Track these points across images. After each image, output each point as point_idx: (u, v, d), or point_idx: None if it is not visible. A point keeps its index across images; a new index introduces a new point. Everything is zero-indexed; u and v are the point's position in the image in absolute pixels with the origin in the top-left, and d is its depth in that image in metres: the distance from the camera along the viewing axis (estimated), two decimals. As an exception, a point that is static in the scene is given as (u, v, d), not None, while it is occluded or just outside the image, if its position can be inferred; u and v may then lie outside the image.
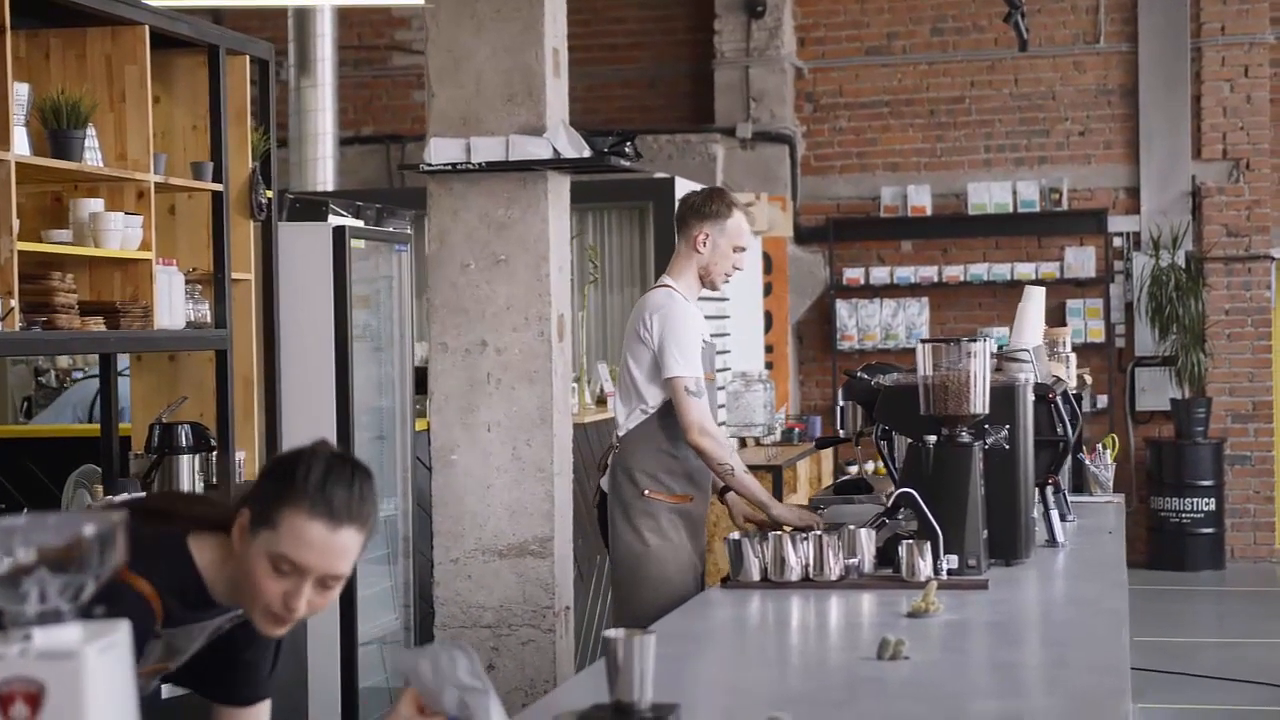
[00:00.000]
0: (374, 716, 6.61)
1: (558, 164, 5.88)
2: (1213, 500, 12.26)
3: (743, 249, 5.37)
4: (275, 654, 2.90)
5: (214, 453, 5.69)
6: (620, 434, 5.27)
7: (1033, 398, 4.78)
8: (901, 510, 4.45)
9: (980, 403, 4.44)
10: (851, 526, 4.43)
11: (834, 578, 4.27)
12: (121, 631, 1.85)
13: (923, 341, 4.52)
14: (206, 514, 2.73)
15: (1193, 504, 12.23)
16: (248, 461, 5.95)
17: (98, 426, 5.94)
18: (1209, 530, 12.27)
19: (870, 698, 3.06)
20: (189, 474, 5.56)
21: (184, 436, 5.53)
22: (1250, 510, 12.61)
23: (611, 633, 2.78)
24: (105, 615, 2.38)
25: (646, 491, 5.19)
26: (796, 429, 11.21)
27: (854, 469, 12.27)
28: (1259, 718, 7.98)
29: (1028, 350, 5.23)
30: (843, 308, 12.94)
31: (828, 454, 11.60)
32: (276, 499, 2.58)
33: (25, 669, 1.77)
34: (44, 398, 8.91)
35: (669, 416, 5.16)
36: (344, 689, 6.41)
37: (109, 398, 5.85)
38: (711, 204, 5.32)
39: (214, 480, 5.73)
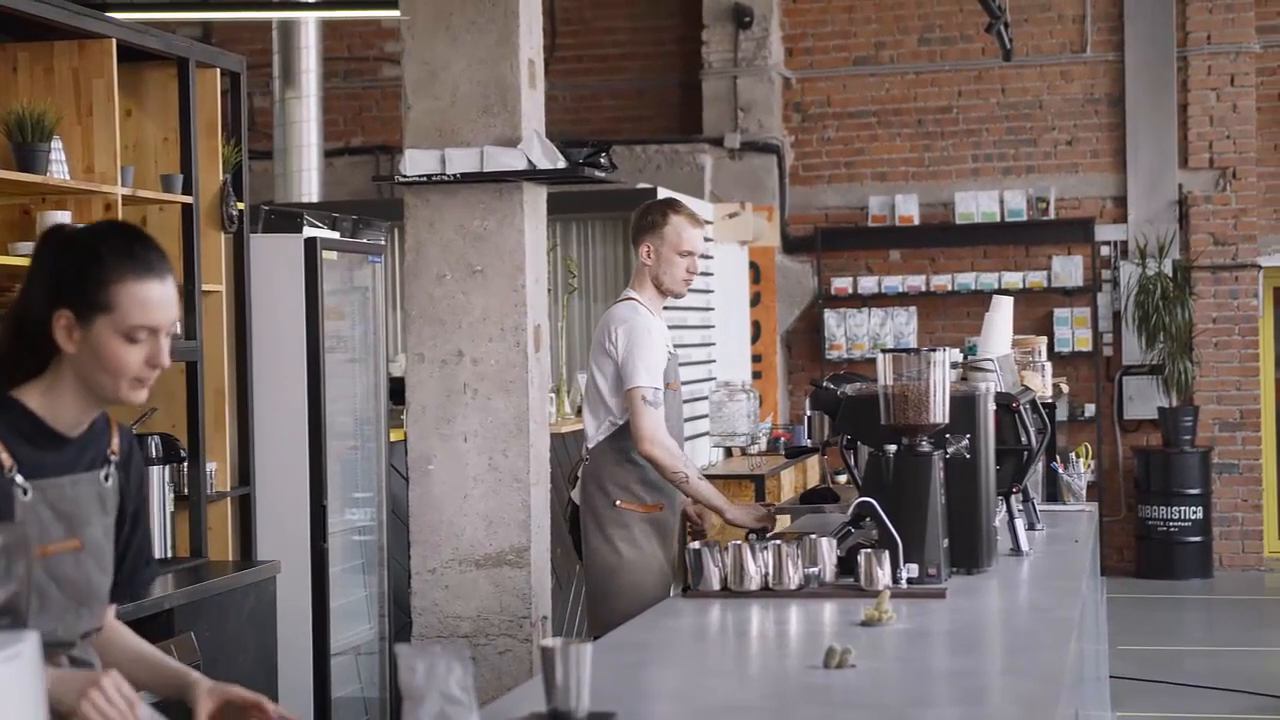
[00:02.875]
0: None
1: (533, 175, 5.90)
2: (1200, 509, 12.26)
3: (689, 253, 5.43)
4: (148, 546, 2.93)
5: (184, 464, 5.70)
6: (590, 446, 5.34)
7: (994, 407, 4.78)
8: (864, 519, 4.46)
9: (940, 412, 4.45)
10: (813, 536, 4.44)
11: (793, 587, 4.28)
12: (28, 642, 1.86)
13: (883, 351, 4.54)
14: (14, 369, 2.74)
15: (1180, 512, 12.24)
16: (219, 473, 5.96)
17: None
18: (1197, 539, 12.28)
19: (813, 705, 3.07)
20: (159, 485, 5.56)
21: (154, 448, 5.54)
22: (1238, 519, 12.61)
23: (548, 642, 2.80)
24: None
25: (618, 502, 5.26)
26: (783, 438, 11.22)
27: (843, 478, 12.28)
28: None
29: (992, 359, 5.24)
30: (831, 317, 12.96)
31: (814, 463, 11.61)
32: (98, 286, 2.66)
33: (-74, 679, 1.78)
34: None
35: None
36: (316, 700, 6.41)
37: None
38: (647, 216, 5.47)
39: (185, 491, 5.74)
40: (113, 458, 2.85)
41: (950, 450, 4.51)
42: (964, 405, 4.59)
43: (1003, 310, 5.58)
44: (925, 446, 4.46)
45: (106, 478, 2.82)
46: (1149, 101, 12.66)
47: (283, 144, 10.46)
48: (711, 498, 5.25)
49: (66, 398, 2.73)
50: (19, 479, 2.67)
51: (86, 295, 2.67)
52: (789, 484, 10.03)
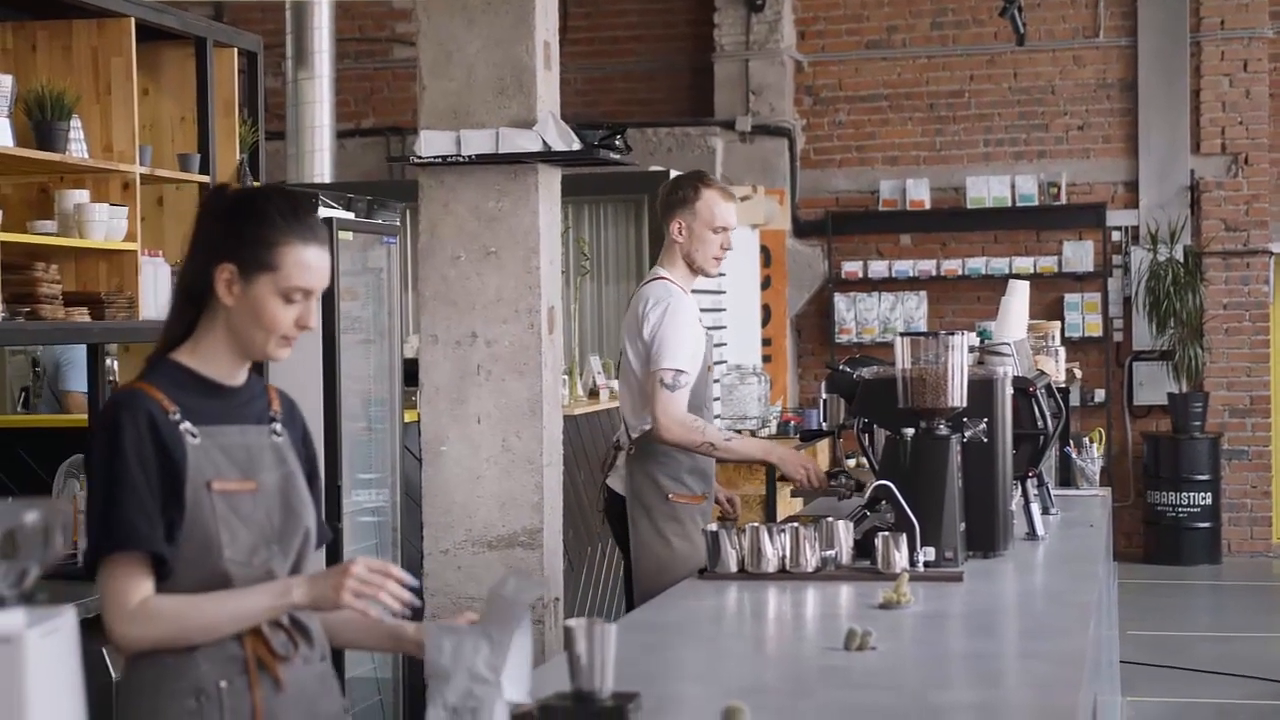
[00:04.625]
0: (360, 706, 6.63)
1: (547, 157, 5.90)
2: (1209, 494, 12.27)
3: (723, 229, 5.29)
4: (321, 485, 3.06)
5: (200, 442, 5.70)
6: (634, 435, 5.20)
7: (1012, 391, 4.79)
8: (881, 502, 4.46)
9: (958, 396, 4.44)
10: (830, 518, 4.44)
11: (810, 569, 4.28)
12: (66, 617, 1.87)
13: (901, 335, 4.53)
14: (170, 336, 2.90)
15: (1189, 498, 12.24)
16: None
17: (85, 418, 5.96)
18: (1205, 524, 12.28)
19: (833, 688, 3.08)
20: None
21: (171, 427, 5.54)
22: (1247, 505, 12.62)
23: (572, 622, 2.80)
24: (115, 421, 2.73)
25: (671, 495, 5.16)
26: (793, 422, 11.22)
27: (851, 462, 12.29)
28: (1253, 712, 7.98)
29: (1009, 343, 5.23)
30: (841, 301, 12.96)
31: (824, 446, 11.62)
32: (264, 245, 2.81)
33: (-34, 653, 1.79)
34: (40, 388, 8.93)
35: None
36: (331, 679, 6.41)
37: (97, 387, 5.86)
38: (677, 190, 5.32)
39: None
40: (277, 416, 2.96)
41: (968, 434, 4.51)
42: (981, 389, 4.59)
43: (1019, 294, 5.58)
44: (943, 430, 4.46)
45: (275, 433, 2.94)
46: (1161, 87, 12.64)
47: (295, 125, 10.45)
48: (754, 452, 5.22)
49: (217, 351, 2.86)
50: (186, 425, 2.80)
51: (253, 253, 2.81)
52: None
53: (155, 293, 5.40)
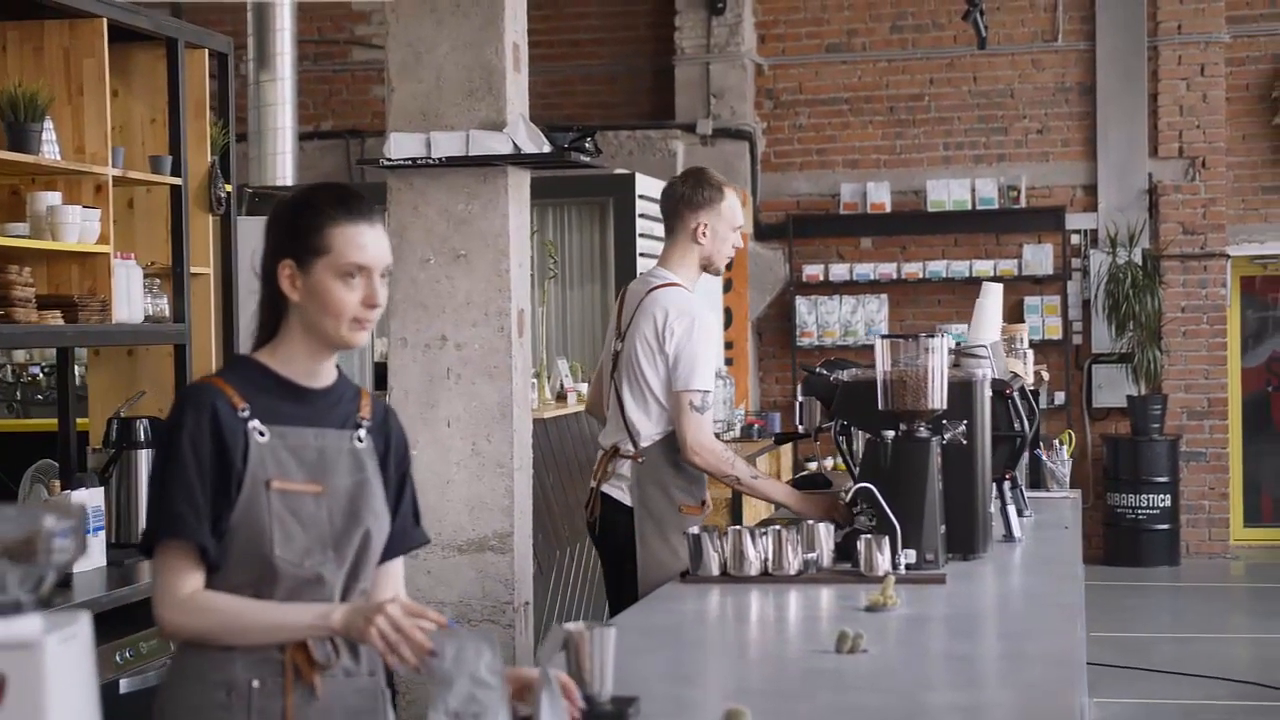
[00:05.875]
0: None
1: (518, 159, 5.89)
2: (1168, 496, 12.34)
3: (739, 227, 5.18)
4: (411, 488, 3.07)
5: (172, 447, 5.66)
6: (643, 444, 5.04)
7: (990, 393, 4.80)
8: (858, 505, 4.46)
9: (938, 398, 4.46)
10: (810, 522, 4.44)
11: (793, 572, 4.28)
12: (83, 623, 1.85)
13: (882, 337, 4.54)
14: (258, 335, 2.96)
15: (1148, 500, 12.32)
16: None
17: (55, 421, 5.90)
18: (1164, 526, 12.36)
19: (828, 690, 3.07)
20: (148, 469, 5.53)
21: (142, 431, 5.50)
22: (1205, 506, 12.71)
23: (572, 626, 2.79)
24: (179, 412, 2.78)
25: (682, 508, 5.03)
26: (756, 425, 11.24)
27: (813, 465, 12.32)
28: (1213, 712, 8.03)
29: (985, 346, 5.25)
30: (802, 304, 12.98)
31: (787, 450, 11.64)
32: (314, 231, 2.87)
33: (-15, 660, 1.76)
34: (30, 390, 8.89)
35: None
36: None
37: (66, 392, 5.81)
38: (703, 191, 5.11)
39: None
40: (364, 422, 2.98)
41: (948, 436, 4.52)
42: (961, 391, 4.60)
43: (993, 297, 5.60)
44: (923, 432, 4.47)
45: (359, 439, 2.95)
46: (1119, 91, 12.72)
47: (257, 127, 10.39)
48: (773, 493, 4.98)
49: (295, 349, 2.90)
50: (255, 423, 2.84)
51: (305, 241, 2.87)
52: (765, 470, 10.05)
53: (128, 296, 5.35)
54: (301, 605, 2.83)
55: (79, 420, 5.88)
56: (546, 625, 7.46)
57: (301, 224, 2.89)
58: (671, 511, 5.03)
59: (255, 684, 2.82)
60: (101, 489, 5.25)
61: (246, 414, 2.84)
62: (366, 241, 2.87)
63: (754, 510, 9.15)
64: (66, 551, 1.83)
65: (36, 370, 9.11)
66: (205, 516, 2.79)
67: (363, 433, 2.97)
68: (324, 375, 2.96)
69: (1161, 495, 12.32)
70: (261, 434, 2.84)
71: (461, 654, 2.65)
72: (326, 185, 2.99)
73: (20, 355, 8.91)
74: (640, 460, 5.05)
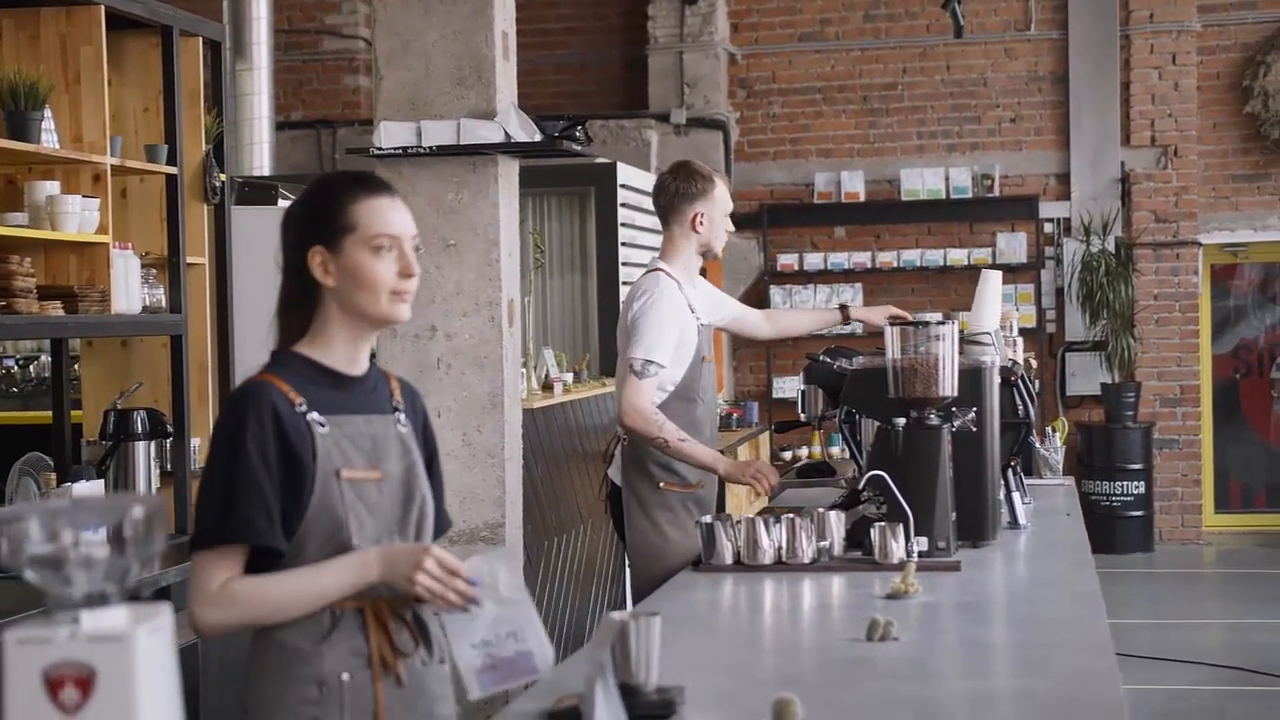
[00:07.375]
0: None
1: (509, 148, 5.86)
2: (1142, 483, 12.41)
3: (730, 210, 5.46)
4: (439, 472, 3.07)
5: (170, 439, 5.62)
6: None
7: (998, 380, 4.80)
8: (866, 492, 4.45)
9: (949, 385, 4.45)
10: (821, 509, 4.44)
11: (806, 561, 4.27)
12: (165, 615, 1.83)
13: (891, 324, 4.53)
14: (285, 337, 2.94)
15: (1122, 487, 12.38)
16: (203, 448, 5.88)
17: (49, 414, 5.85)
18: (1138, 513, 12.42)
19: (868, 678, 3.06)
20: (145, 461, 5.48)
21: (139, 423, 5.46)
22: (1178, 493, 12.77)
23: (618, 615, 2.77)
24: (239, 414, 2.77)
25: (662, 484, 5.16)
26: (734, 414, 11.25)
27: (804, 452, 12.34)
28: (1188, 697, 8.08)
29: (989, 333, 5.26)
30: (777, 293, 12.98)
31: (764, 439, 11.64)
32: (336, 211, 2.86)
33: (75, 653, 1.75)
34: (4, 383, 8.80)
35: (677, 404, 5.13)
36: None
37: (61, 383, 5.76)
38: (695, 182, 5.32)
39: (169, 468, 5.65)
40: (400, 405, 2.97)
41: (957, 423, 4.52)
42: (971, 378, 4.60)
43: (992, 284, 5.60)
44: (934, 419, 4.47)
45: (399, 424, 2.94)
46: (1092, 79, 12.76)
47: (234, 117, 10.29)
48: (702, 458, 5.09)
49: (335, 336, 2.89)
50: (314, 415, 2.83)
51: (331, 224, 2.86)
52: (745, 458, 10.05)
53: (126, 286, 5.30)
54: (335, 565, 2.79)
55: (73, 413, 5.83)
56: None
57: (324, 208, 2.88)
58: (651, 489, 5.16)
59: (345, 677, 2.80)
60: (101, 481, 5.21)
61: (304, 408, 2.83)
62: (390, 211, 2.88)
63: (735, 499, 9.16)
64: (155, 543, 1.81)
65: (11, 363, 9.03)
66: (277, 518, 2.77)
67: (402, 416, 2.96)
68: (362, 361, 2.95)
69: (1135, 482, 12.38)
70: (322, 425, 2.83)
71: (480, 581, 2.68)
72: (338, 172, 3.01)
73: (26, 345, 8.82)
74: (625, 441, 5.18)
